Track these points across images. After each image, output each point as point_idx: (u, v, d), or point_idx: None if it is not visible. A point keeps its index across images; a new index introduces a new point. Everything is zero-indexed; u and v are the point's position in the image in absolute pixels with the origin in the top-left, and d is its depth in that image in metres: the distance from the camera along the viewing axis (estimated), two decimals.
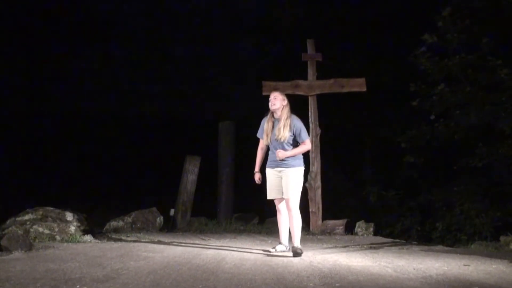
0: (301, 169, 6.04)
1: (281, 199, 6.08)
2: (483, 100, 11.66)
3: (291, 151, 5.93)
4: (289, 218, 6.06)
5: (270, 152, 6.14)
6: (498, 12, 11.83)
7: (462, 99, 11.97)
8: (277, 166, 6.02)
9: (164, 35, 20.28)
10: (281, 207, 6.15)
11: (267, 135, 6.06)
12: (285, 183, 5.94)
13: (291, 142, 5.96)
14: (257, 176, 6.25)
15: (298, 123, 5.99)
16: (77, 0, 19.32)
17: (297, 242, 5.86)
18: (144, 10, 20.48)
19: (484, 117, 11.56)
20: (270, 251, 5.99)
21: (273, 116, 6.08)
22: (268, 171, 6.14)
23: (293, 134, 5.95)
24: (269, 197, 6.15)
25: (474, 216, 11.94)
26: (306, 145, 6.02)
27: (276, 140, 5.95)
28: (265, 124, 6.13)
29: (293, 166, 5.95)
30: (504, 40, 11.92)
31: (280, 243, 6.18)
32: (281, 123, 5.93)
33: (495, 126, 11.50)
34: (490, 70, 11.51)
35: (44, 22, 19.07)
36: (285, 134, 5.90)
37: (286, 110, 5.99)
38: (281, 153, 5.88)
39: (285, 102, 6.02)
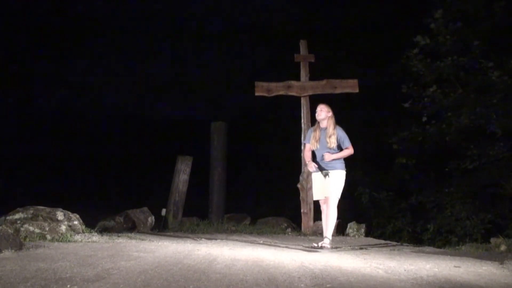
0: (343, 172, 6.84)
1: (326, 199, 6.81)
2: (475, 102, 11.71)
3: (336, 154, 6.78)
4: (326, 213, 6.80)
5: (316, 158, 6.97)
6: (489, 15, 11.89)
7: (454, 101, 12.02)
8: (322, 169, 6.83)
9: (157, 35, 20.26)
10: (325, 207, 6.85)
11: (316, 141, 6.92)
12: (329, 184, 6.75)
13: (336, 149, 6.82)
14: (311, 164, 6.91)
15: (342, 133, 6.87)
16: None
17: (329, 235, 6.69)
18: (139, 11, 20.46)
19: (476, 119, 11.61)
20: (314, 246, 6.62)
21: (319, 125, 6.99)
22: (314, 174, 6.99)
23: (338, 142, 6.82)
24: (315, 198, 7.10)
25: (465, 218, 12.00)
26: (349, 149, 6.83)
27: (327, 147, 6.79)
28: (313, 132, 7.05)
29: (336, 168, 6.78)
30: (496, 42, 11.97)
31: (326, 237, 6.73)
32: (329, 133, 6.84)
33: (486, 128, 11.55)
34: (481, 72, 11.56)
35: (36, 22, 19.02)
36: (333, 143, 6.78)
37: (332, 121, 6.93)
38: (327, 155, 6.74)
39: (330, 113, 6.97)
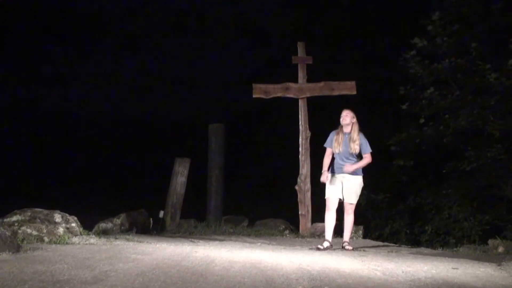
0: (361, 177, 7.15)
1: (336, 200, 7.04)
2: (472, 104, 11.72)
3: (356, 164, 7.01)
4: (346, 219, 7.15)
5: (335, 160, 7.15)
6: (487, 17, 11.92)
7: (451, 103, 12.02)
8: (342, 172, 7.03)
9: (156, 35, 20.26)
10: (332, 207, 7.04)
11: (338, 144, 7.06)
12: (349, 190, 7.06)
13: (357, 154, 7.05)
14: (325, 175, 7.14)
15: (363, 140, 7.08)
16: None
17: (348, 238, 7.11)
18: (136, 10, 20.45)
19: (473, 121, 11.62)
20: (318, 247, 6.74)
21: (342, 130, 7.15)
22: (330, 174, 7.13)
23: (359, 148, 7.03)
24: (327, 196, 7.10)
25: (462, 220, 12.00)
26: (367, 158, 7.06)
27: (348, 152, 7.01)
28: (335, 136, 7.16)
29: (357, 174, 7.07)
30: (493, 44, 11.99)
31: (326, 240, 6.95)
32: (354, 138, 7.02)
33: (484, 130, 11.55)
34: (479, 74, 11.57)
35: (36, 23, 19.03)
36: (356, 149, 6.99)
37: (356, 127, 7.13)
38: (348, 167, 6.96)
39: (354, 119, 7.18)
